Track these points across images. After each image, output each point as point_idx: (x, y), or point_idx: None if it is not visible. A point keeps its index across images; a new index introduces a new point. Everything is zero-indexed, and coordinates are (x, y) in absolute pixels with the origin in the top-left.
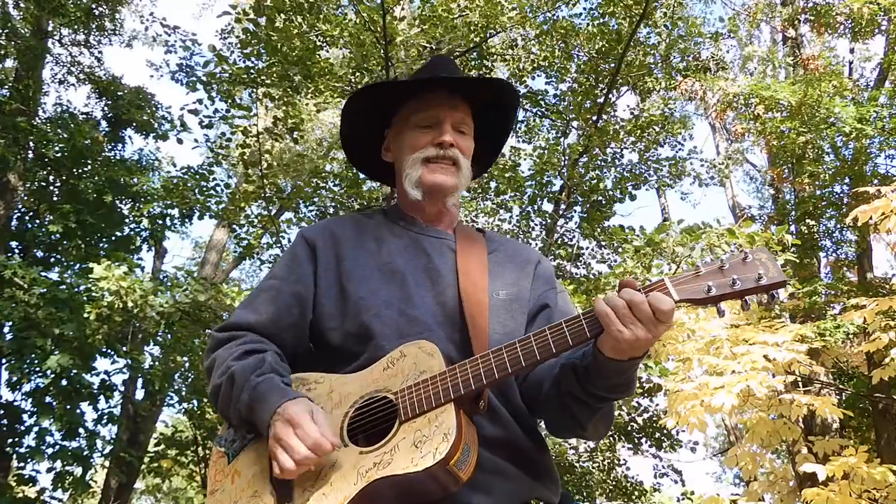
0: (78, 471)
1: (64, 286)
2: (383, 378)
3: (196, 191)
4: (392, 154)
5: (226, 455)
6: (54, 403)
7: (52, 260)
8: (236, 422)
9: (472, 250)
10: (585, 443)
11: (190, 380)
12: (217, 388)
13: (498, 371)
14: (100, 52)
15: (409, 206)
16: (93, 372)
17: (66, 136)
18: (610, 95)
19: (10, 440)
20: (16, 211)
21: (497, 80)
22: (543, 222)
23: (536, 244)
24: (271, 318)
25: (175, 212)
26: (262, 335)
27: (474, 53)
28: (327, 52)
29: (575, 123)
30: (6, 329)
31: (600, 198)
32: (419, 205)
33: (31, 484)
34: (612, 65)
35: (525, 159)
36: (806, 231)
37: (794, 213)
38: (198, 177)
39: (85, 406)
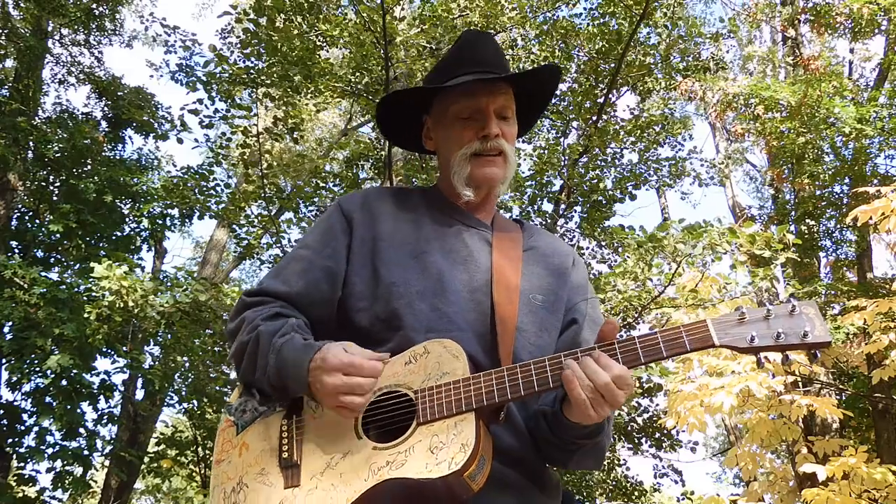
0: (78, 471)
1: (64, 286)
2: (404, 373)
3: (196, 191)
4: (434, 144)
5: (235, 425)
6: (54, 403)
7: (52, 260)
8: (264, 384)
9: (508, 246)
10: None
11: (190, 380)
12: (244, 344)
13: (524, 389)
14: (100, 52)
15: (450, 190)
16: (93, 372)
17: (66, 136)
18: (610, 95)
19: (10, 440)
20: (16, 211)
21: (544, 69)
22: (543, 222)
23: None
24: (300, 292)
25: (175, 212)
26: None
27: None
28: (327, 52)
29: (575, 123)
30: (6, 329)
31: (600, 198)
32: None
33: (31, 484)
34: (612, 65)
35: (525, 159)
36: (806, 231)
37: (794, 213)
38: (198, 177)
39: (85, 406)
